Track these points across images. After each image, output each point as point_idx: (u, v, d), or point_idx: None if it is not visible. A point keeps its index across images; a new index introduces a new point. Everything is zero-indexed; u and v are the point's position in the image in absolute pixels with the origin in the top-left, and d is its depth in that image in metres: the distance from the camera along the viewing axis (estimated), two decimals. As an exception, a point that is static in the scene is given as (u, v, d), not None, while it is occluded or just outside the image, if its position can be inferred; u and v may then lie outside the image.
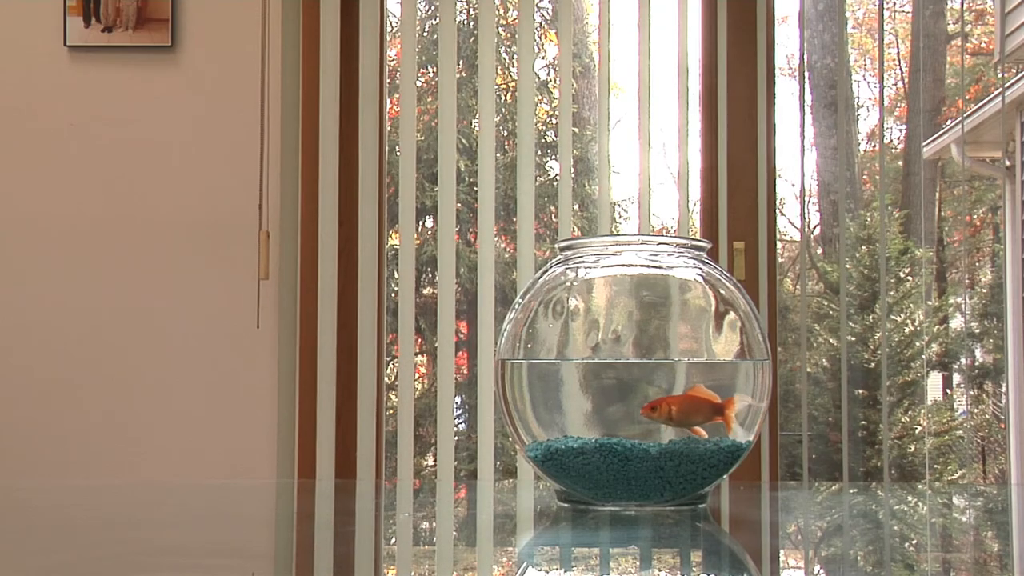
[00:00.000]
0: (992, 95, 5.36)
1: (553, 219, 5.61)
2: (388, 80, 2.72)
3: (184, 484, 1.62)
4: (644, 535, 0.88)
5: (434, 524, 1.02)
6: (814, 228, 8.61)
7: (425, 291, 6.26)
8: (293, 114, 2.57)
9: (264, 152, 2.52)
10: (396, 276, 2.87)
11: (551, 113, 6.26)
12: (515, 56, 2.77)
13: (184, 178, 2.56)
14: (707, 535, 0.92)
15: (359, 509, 1.09)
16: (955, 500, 1.22)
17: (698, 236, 2.66)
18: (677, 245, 0.99)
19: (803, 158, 2.73)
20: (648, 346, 0.97)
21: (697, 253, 0.99)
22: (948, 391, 7.38)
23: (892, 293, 6.83)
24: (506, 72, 6.23)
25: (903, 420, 6.68)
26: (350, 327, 2.57)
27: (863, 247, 6.88)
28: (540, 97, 6.42)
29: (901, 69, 9.52)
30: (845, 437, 2.66)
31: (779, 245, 3.71)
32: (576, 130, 5.58)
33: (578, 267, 0.99)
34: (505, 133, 5.76)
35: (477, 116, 2.71)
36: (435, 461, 2.69)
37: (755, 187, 2.60)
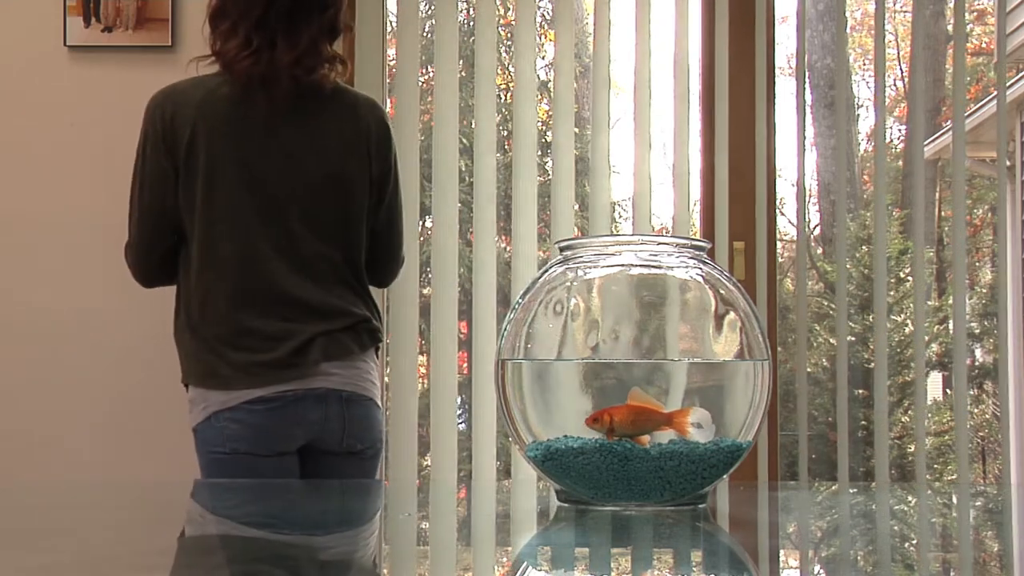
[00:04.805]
0: (992, 95, 5.35)
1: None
2: (388, 80, 2.71)
3: (184, 484, 1.62)
4: (644, 535, 0.88)
5: (434, 524, 1.02)
6: (814, 228, 8.61)
7: (425, 291, 6.25)
8: (293, 114, 2.56)
9: (264, 152, 2.51)
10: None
11: (551, 113, 6.25)
12: (515, 56, 2.77)
13: (184, 178, 2.55)
14: (707, 535, 0.92)
15: (359, 509, 1.09)
16: (955, 500, 1.22)
17: (698, 236, 2.66)
18: (677, 245, 0.99)
19: (803, 158, 2.73)
20: (648, 346, 0.97)
21: (697, 253, 0.99)
22: (948, 391, 7.38)
23: (892, 293, 6.82)
24: (506, 72, 6.22)
25: (902, 420, 6.68)
26: (350, 327, 2.56)
27: (863, 247, 6.88)
28: (540, 97, 6.41)
29: (901, 69, 9.53)
30: (845, 437, 2.66)
31: (779, 245, 3.71)
32: (576, 130, 5.57)
33: (578, 267, 0.99)
34: (505, 133, 5.76)
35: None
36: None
37: (755, 187, 2.60)
